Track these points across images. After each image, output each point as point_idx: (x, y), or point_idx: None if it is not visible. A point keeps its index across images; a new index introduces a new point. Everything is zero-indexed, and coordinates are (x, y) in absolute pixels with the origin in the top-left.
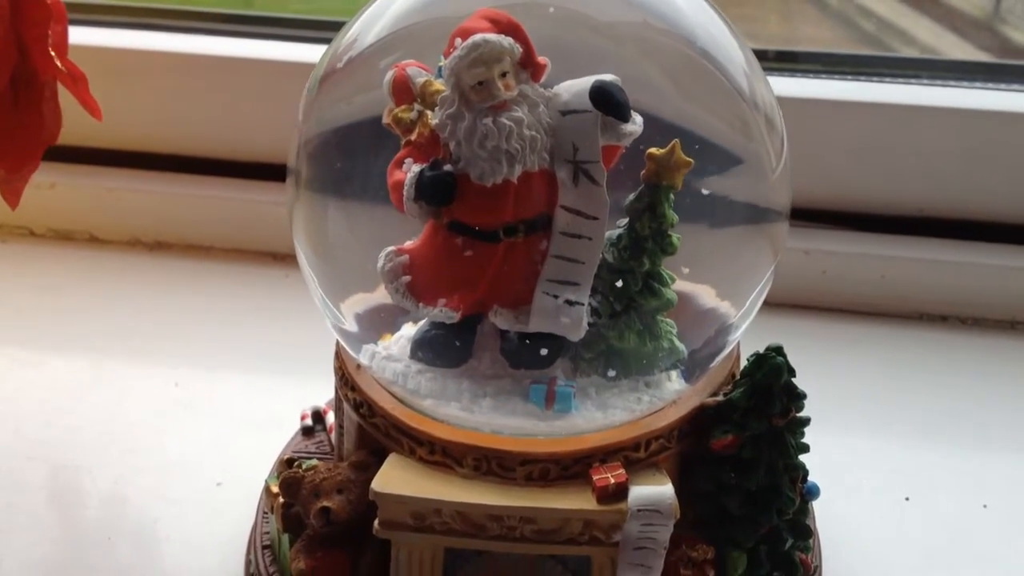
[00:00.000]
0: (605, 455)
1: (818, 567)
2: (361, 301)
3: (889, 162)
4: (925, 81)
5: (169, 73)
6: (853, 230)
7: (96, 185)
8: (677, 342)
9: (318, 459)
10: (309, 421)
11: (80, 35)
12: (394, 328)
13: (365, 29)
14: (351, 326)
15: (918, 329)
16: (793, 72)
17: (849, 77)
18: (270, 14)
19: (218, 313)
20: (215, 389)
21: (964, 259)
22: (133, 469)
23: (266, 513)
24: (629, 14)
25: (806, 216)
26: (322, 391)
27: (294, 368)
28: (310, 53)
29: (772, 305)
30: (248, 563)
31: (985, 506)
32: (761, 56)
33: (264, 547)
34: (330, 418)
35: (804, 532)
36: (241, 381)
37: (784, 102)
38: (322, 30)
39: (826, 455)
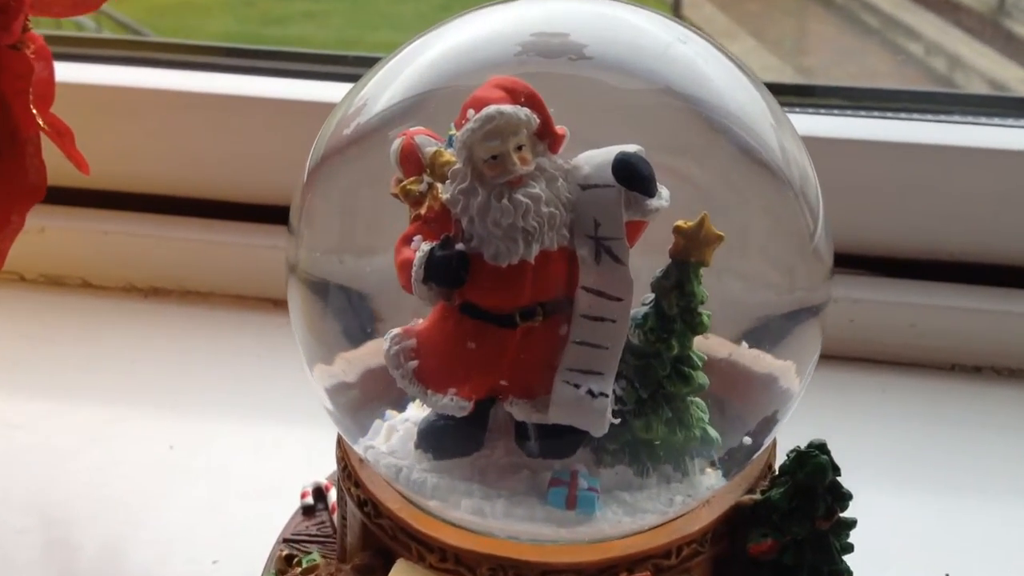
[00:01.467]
0: (632, 564)
1: None
2: (353, 391)
3: (919, 204)
4: (956, 119)
5: (165, 111)
6: (881, 276)
7: (89, 228)
8: (710, 429)
9: (319, 544)
10: (310, 499)
11: (70, 72)
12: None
13: (375, 93)
14: (345, 418)
15: (951, 381)
16: (815, 108)
17: (875, 114)
18: (272, 48)
19: (216, 363)
20: (212, 451)
21: (999, 307)
22: (125, 545)
23: None
24: (651, 81)
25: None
26: (326, 451)
27: (296, 424)
28: (314, 90)
29: None
30: None
31: None
32: (778, 91)
33: None
34: (332, 495)
35: None
36: (239, 441)
37: (807, 141)
38: (328, 64)
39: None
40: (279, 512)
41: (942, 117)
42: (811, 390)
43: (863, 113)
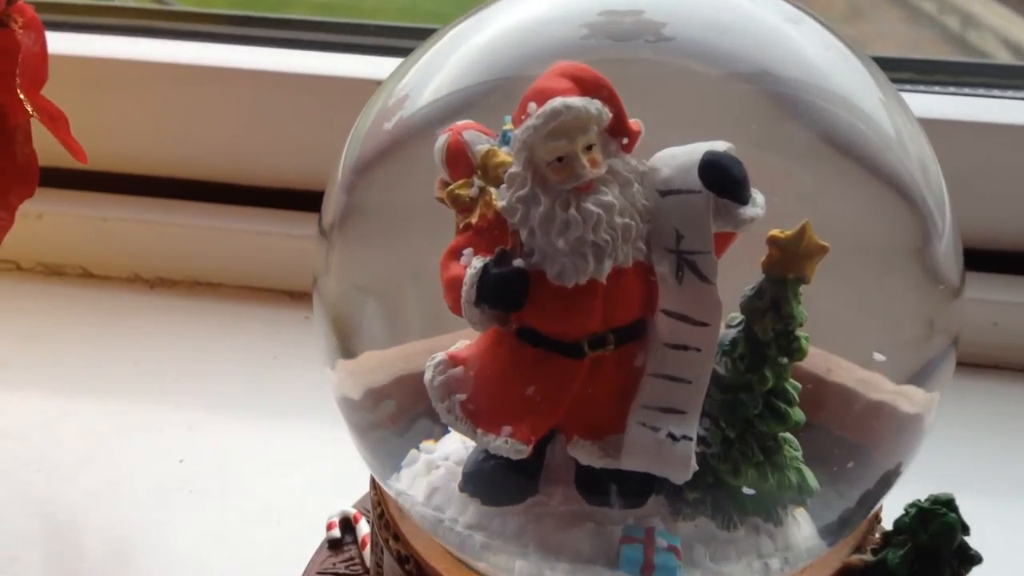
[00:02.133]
0: None
1: None
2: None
3: (1001, 189)
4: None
5: (172, 86)
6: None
7: (89, 214)
8: (807, 472)
9: None
10: (337, 532)
11: (66, 43)
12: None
13: (420, 83)
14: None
15: None
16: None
17: (951, 88)
18: (286, 16)
19: (228, 361)
20: (225, 466)
21: None
22: (132, 571)
23: None
24: (744, 65)
25: None
26: (354, 465)
27: (319, 433)
28: (333, 64)
29: None
30: None
31: None
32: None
33: None
34: (362, 527)
35: None
36: (256, 453)
37: None
38: (346, 34)
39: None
40: (301, 541)
41: (981, 91)
42: None
43: (937, 89)
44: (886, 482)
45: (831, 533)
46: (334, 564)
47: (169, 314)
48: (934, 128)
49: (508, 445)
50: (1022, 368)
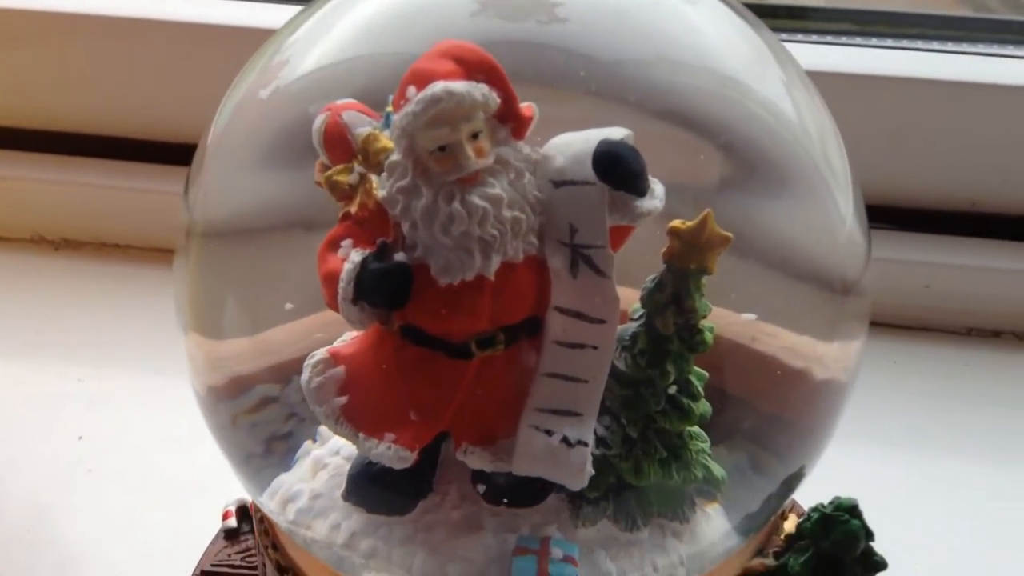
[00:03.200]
0: None
1: None
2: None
3: (936, 148)
4: (980, 48)
5: (71, 36)
6: (893, 229)
7: None
8: (713, 466)
9: None
10: (233, 521)
11: None
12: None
13: (302, 49)
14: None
15: (967, 346)
16: (820, 34)
17: (888, 40)
18: None
19: (135, 327)
20: (127, 443)
21: (1021, 265)
22: (27, 559)
23: None
24: (639, 49)
25: None
26: None
27: None
28: (247, 14)
29: None
30: None
31: None
32: (771, 13)
33: None
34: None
35: None
36: (159, 429)
37: (810, 76)
38: None
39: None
40: (200, 525)
41: (965, 47)
42: None
43: (873, 41)
44: (807, 454)
45: (745, 531)
46: (229, 556)
47: (75, 276)
48: (875, 84)
49: (391, 452)
50: (954, 331)
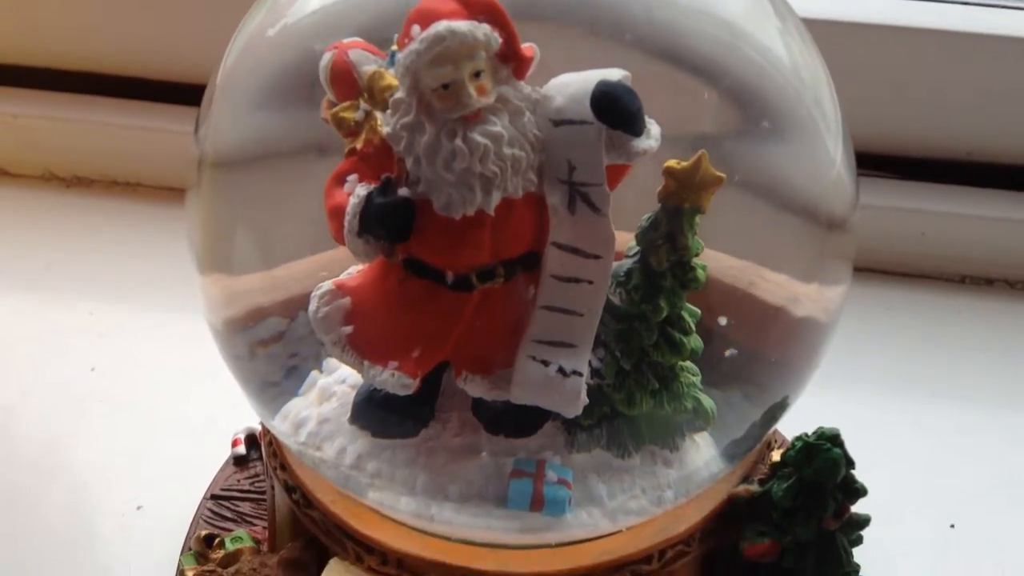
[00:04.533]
0: (607, 572)
1: None
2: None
3: (933, 97)
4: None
5: None
6: (890, 177)
7: (1, 111)
8: (703, 398)
9: (252, 501)
10: (242, 448)
11: None
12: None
13: None
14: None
15: (961, 294)
16: None
17: None
18: None
19: (147, 264)
20: (137, 375)
21: (1015, 214)
22: (41, 487)
23: None
24: None
25: None
26: None
27: None
28: None
29: None
30: None
31: None
32: None
33: None
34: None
35: None
36: (170, 361)
37: (809, 24)
38: None
39: (856, 452)
40: (210, 454)
41: None
42: None
43: None
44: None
45: (731, 457)
46: (238, 480)
47: (85, 214)
48: (874, 33)
49: (394, 379)
50: (948, 278)
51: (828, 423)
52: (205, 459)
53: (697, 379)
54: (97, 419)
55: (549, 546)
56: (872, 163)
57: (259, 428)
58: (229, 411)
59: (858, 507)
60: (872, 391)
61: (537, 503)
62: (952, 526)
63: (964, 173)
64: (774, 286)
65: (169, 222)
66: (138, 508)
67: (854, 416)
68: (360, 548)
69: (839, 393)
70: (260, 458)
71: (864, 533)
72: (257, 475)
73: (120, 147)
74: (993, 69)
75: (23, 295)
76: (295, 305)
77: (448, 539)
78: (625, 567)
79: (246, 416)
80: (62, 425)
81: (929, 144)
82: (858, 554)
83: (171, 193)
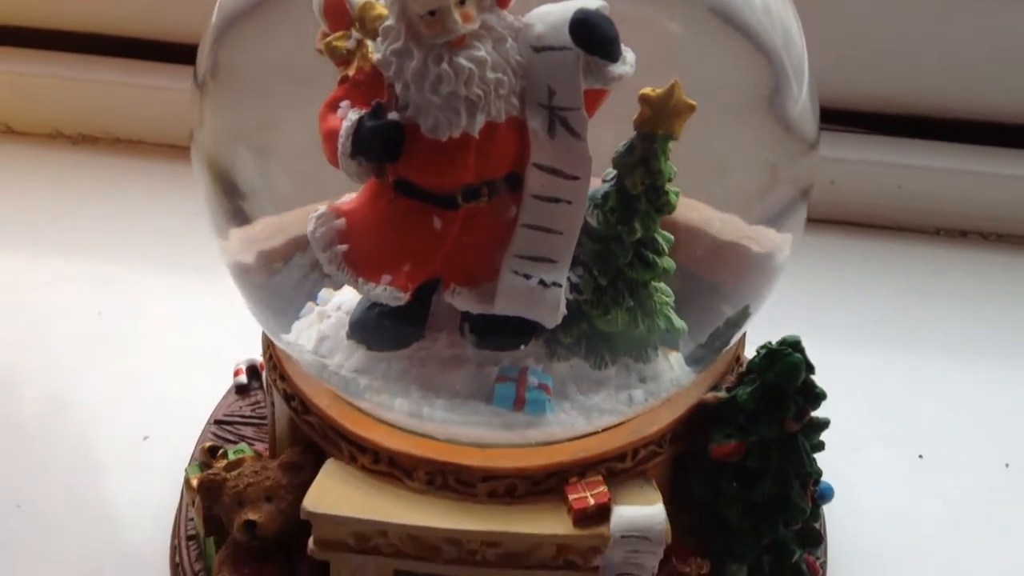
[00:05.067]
0: (584, 468)
1: (824, 563)
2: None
3: (911, 55)
4: None
5: None
6: (867, 133)
7: (8, 70)
8: (675, 318)
9: (253, 426)
10: (243, 378)
11: None
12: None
13: None
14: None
15: (935, 246)
16: None
17: None
18: None
19: (150, 218)
20: (143, 317)
21: (988, 168)
22: (51, 422)
23: (190, 505)
24: None
25: None
26: None
27: (233, 290)
28: None
29: None
30: (173, 550)
31: (1007, 465)
32: None
33: (189, 537)
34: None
35: (814, 539)
36: (173, 306)
37: None
38: None
39: (831, 394)
40: (212, 387)
41: None
42: (790, 255)
43: None
44: (743, 313)
45: (696, 362)
46: (240, 407)
47: (90, 171)
48: None
49: (387, 292)
50: (924, 230)
51: None
52: (208, 393)
53: (671, 300)
54: (104, 358)
55: (530, 445)
56: (851, 120)
57: (259, 359)
58: (230, 349)
59: (832, 440)
60: (848, 336)
61: (519, 403)
62: (920, 456)
63: (940, 129)
64: (733, 225)
65: (169, 178)
66: (144, 439)
67: (830, 358)
68: (354, 448)
69: (816, 338)
70: (261, 387)
71: (837, 465)
72: (258, 402)
73: (124, 106)
74: (968, 28)
75: (33, 246)
76: (300, 243)
77: (436, 439)
78: (601, 463)
79: (246, 350)
80: (71, 364)
81: (906, 101)
82: (831, 484)
83: (171, 150)
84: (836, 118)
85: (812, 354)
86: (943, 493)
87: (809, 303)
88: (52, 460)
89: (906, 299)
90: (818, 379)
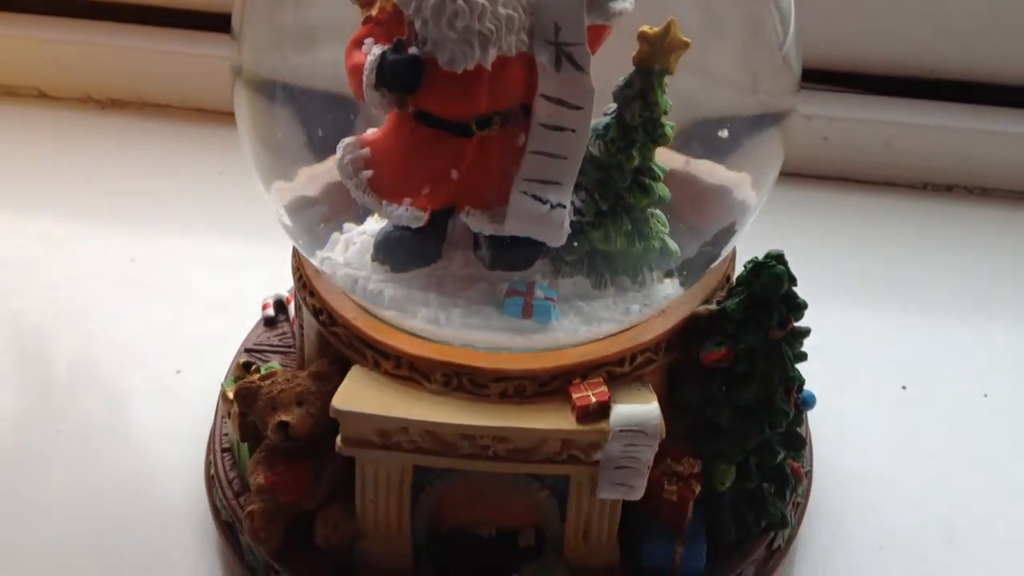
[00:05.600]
0: (586, 371)
1: (809, 472)
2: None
3: (899, 17)
4: None
5: None
6: (858, 92)
7: (41, 37)
8: (670, 241)
9: (280, 354)
10: (271, 311)
11: None
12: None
13: None
14: (298, 228)
15: (923, 199)
16: None
17: None
18: None
19: (176, 177)
20: (173, 264)
21: (974, 125)
22: (89, 357)
23: (225, 418)
24: None
25: (807, 77)
26: (287, 268)
27: (258, 239)
28: None
29: None
30: (208, 464)
31: (986, 395)
32: None
33: (224, 450)
34: (293, 309)
35: (798, 442)
36: (201, 254)
37: None
38: None
39: (821, 337)
40: (241, 325)
41: None
42: (781, 209)
43: None
44: (718, 241)
45: (684, 280)
46: (268, 338)
47: (120, 133)
48: None
49: (408, 213)
50: (911, 185)
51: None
52: (237, 331)
53: (666, 228)
54: (138, 301)
55: (537, 350)
56: (842, 80)
57: (286, 294)
58: (255, 291)
59: (821, 374)
60: (839, 284)
61: (527, 310)
62: (904, 387)
63: (927, 88)
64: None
65: (196, 140)
66: (177, 372)
67: (822, 304)
68: (378, 355)
69: (809, 285)
70: (287, 319)
71: (825, 397)
72: (284, 333)
73: (151, 71)
74: None
75: (68, 203)
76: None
77: (452, 345)
78: (601, 367)
79: (272, 287)
80: (107, 307)
81: (894, 62)
82: (816, 418)
83: (196, 113)
84: (828, 79)
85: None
86: (924, 420)
87: (802, 254)
88: (89, 391)
89: (895, 250)
90: (810, 323)
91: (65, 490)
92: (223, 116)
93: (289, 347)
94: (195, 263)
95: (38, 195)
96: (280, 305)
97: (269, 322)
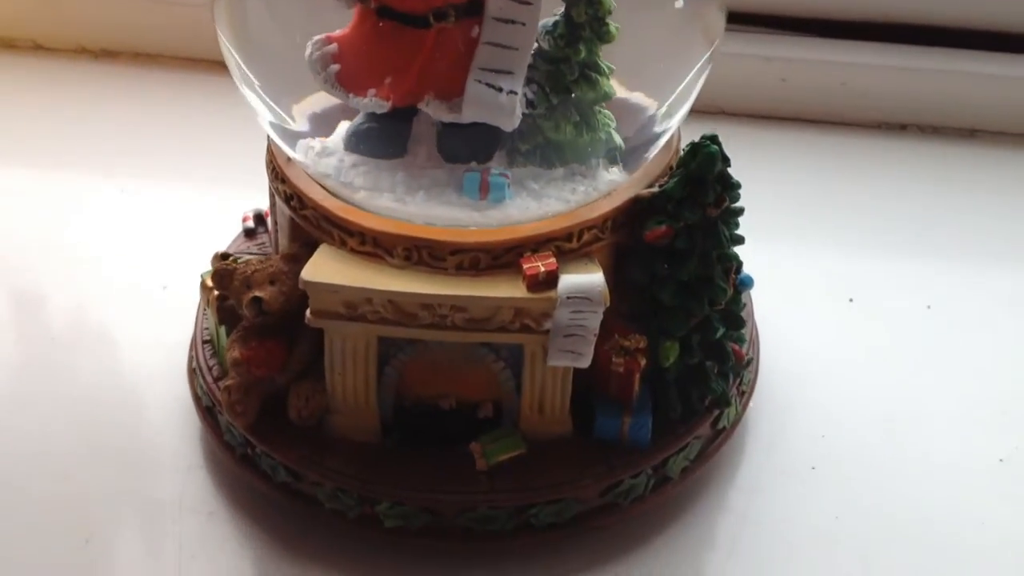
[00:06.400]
0: (537, 245)
1: (752, 360)
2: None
3: None
4: None
5: None
6: (814, 36)
7: None
8: (615, 134)
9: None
10: (251, 223)
11: None
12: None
13: None
14: (284, 122)
15: (877, 138)
16: None
17: None
18: None
19: (166, 123)
20: (161, 196)
21: (926, 65)
22: (81, 277)
23: (205, 310)
24: None
25: (765, 21)
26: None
27: (242, 178)
28: None
29: (729, 114)
30: (190, 359)
31: (929, 307)
32: None
33: (204, 342)
34: (271, 222)
35: (737, 322)
36: (188, 189)
37: None
38: None
39: (776, 260)
40: (224, 242)
41: None
42: (743, 147)
43: None
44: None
45: (624, 168)
46: (248, 247)
47: (113, 82)
48: None
49: (373, 102)
50: (866, 124)
51: (753, 243)
52: (220, 245)
53: (612, 123)
54: (125, 228)
55: (491, 226)
56: (798, 24)
57: (264, 209)
58: (239, 208)
59: (769, 288)
60: (798, 217)
61: (484, 188)
62: (851, 300)
63: (881, 31)
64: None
65: (185, 89)
66: (164, 288)
67: (781, 235)
68: (344, 233)
69: (769, 221)
70: (266, 231)
71: (772, 311)
72: (263, 243)
73: (143, 22)
74: None
75: (61, 149)
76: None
77: (414, 223)
78: (551, 242)
79: (251, 203)
80: (95, 235)
81: (850, 6)
82: (767, 331)
83: (187, 62)
84: (787, 24)
85: (765, 234)
86: (869, 328)
87: (765, 187)
88: (81, 303)
89: (851, 184)
90: (768, 247)
91: (58, 394)
92: (211, 64)
93: (266, 255)
94: (182, 195)
95: (33, 142)
96: (259, 218)
97: (249, 233)
